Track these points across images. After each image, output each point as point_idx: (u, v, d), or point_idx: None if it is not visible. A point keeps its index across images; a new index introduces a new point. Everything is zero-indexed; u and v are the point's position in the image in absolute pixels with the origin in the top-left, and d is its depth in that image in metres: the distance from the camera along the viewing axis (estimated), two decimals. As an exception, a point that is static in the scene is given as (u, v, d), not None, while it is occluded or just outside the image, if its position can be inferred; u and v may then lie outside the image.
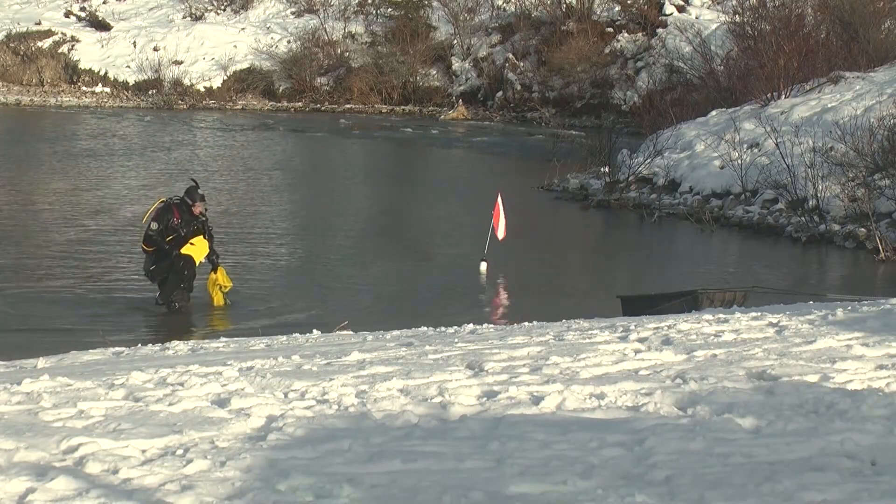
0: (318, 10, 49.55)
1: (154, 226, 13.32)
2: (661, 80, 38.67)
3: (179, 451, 4.72)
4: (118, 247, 17.64)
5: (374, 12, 49.34)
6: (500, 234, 16.87)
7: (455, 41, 46.85)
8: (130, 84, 47.60)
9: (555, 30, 44.14)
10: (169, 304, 13.39)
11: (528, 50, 44.77)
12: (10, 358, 8.75)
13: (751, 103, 26.53)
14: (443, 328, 9.84)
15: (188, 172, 27.72)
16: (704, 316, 9.04)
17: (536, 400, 5.60)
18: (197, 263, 13.51)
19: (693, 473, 4.37)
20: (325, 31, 48.50)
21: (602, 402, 5.58)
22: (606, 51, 43.14)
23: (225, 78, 47.48)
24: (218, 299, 13.64)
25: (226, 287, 13.68)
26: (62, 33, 49.50)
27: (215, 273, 13.63)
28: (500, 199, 16.97)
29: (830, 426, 5.02)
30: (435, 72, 46.76)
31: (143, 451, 4.75)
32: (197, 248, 13.49)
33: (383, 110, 46.00)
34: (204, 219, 13.64)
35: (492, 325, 10.10)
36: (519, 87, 44.19)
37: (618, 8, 44.23)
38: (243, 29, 49.72)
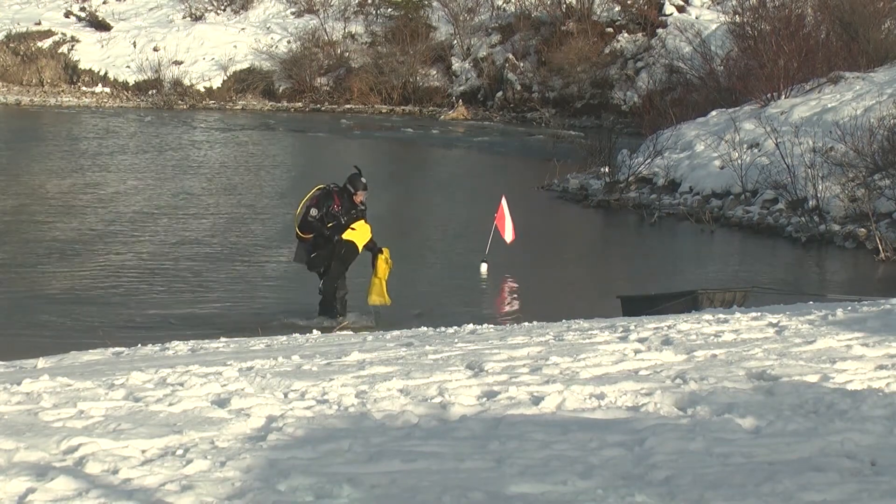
0: (318, 10, 49.55)
1: (314, 212, 12.73)
2: (661, 80, 38.67)
3: (179, 451, 4.72)
4: (119, 246, 17.65)
5: (374, 12, 49.35)
6: (508, 237, 16.78)
7: (455, 41, 46.86)
8: (130, 84, 47.60)
9: (555, 30, 44.14)
10: (329, 296, 12.83)
11: (528, 50, 44.77)
12: (10, 358, 8.75)
13: (751, 103, 26.53)
14: (443, 328, 9.84)
15: (190, 171, 27.76)
16: (704, 316, 9.04)
17: (536, 400, 5.60)
18: (360, 250, 12.94)
19: (693, 473, 4.37)
20: (325, 31, 48.51)
21: (602, 402, 5.58)
22: (606, 51, 43.14)
23: (225, 78, 47.48)
24: (379, 294, 12.96)
25: (390, 263, 13.05)
26: (62, 33, 49.51)
27: (381, 254, 13.02)
28: (504, 202, 16.92)
29: (830, 426, 5.02)
30: (435, 72, 46.76)
31: (143, 451, 4.75)
32: (359, 234, 12.89)
33: (383, 110, 46.00)
34: (363, 208, 13.03)
35: (492, 325, 10.09)
36: (519, 88, 44.19)
37: (618, 8, 44.23)
38: (243, 29, 49.73)
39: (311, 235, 12.89)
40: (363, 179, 13.01)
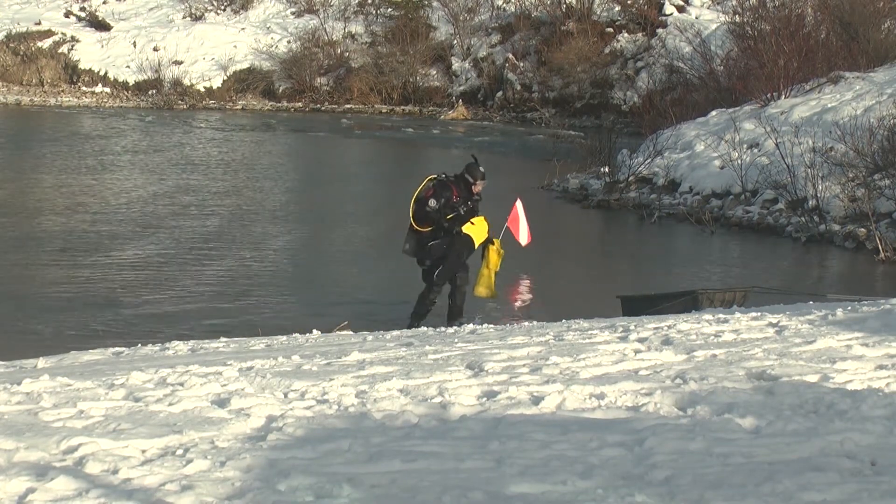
0: (318, 10, 49.55)
1: (433, 203, 12.39)
2: (661, 80, 38.64)
3: (179, 451, 4.72)
4: (119, 245, 17.65)
5: (374, 12, 49.34)
6: (524, 240, 16.65)
7: (455, 41, 46.85)
8: (130, 84, 47.59)
9: (555, 30, 44.14)
10: (435, 285, 12.57)
11: (528, 50, 44.77)
12: (10, 358, 8.75)
13: (751, 103, 26.52)
14: (443, 328, 9.85)
15: (190, 171, 27.75)
16: (704, 316, 9.04)
17: (536, 400, 5.60)
18: (476, 245, 12.67)
19: (693, 473, 4.37)
20: (325, 31, 48.50)
21: (602, 402, 5.58)
22: (606, 51, 43.13)
23: (225, 78, 47.47)
24: (486, 286, 12.78)
25: (501, 254, 12.88)
26: (62, 33, 49.49)
27: (493, 244, 12.82)
28: (518, 204, 16.80)
29: (830, 426, 5.02)
30: (435, 72, 46.74)
31: (143, 451, 4.75)
32: (477, 229, 12.61)
33: (383, 110, 46.00)
34: (479, 198, 12.73)
35: (492, 325, 10.10)
36: (519, 87, 44.19)
37: (618, 8, 44.22)
38: (243, 29, 49.72)
39: (430, 228, 12.57)
40: (481, 169, 12.77)
